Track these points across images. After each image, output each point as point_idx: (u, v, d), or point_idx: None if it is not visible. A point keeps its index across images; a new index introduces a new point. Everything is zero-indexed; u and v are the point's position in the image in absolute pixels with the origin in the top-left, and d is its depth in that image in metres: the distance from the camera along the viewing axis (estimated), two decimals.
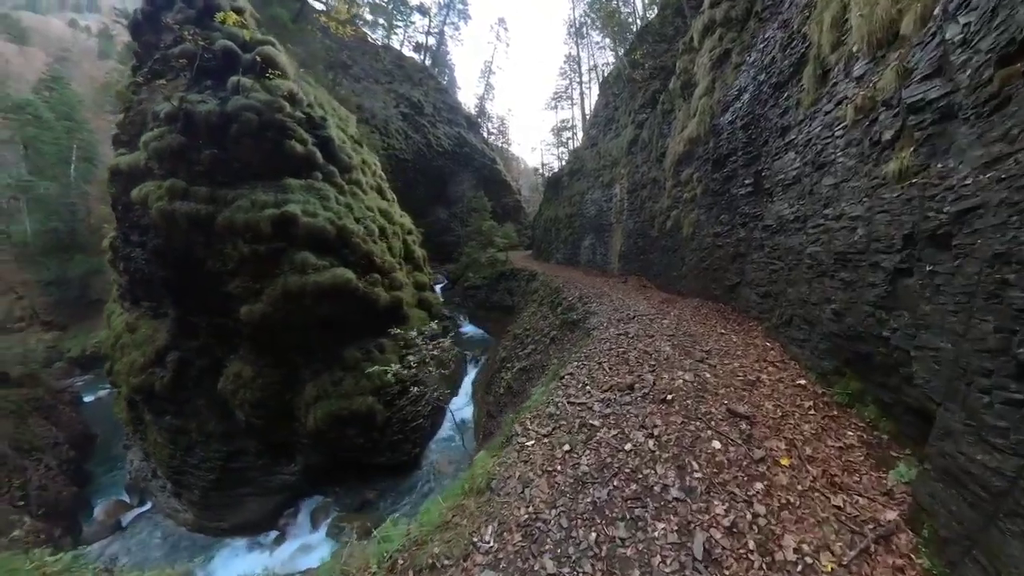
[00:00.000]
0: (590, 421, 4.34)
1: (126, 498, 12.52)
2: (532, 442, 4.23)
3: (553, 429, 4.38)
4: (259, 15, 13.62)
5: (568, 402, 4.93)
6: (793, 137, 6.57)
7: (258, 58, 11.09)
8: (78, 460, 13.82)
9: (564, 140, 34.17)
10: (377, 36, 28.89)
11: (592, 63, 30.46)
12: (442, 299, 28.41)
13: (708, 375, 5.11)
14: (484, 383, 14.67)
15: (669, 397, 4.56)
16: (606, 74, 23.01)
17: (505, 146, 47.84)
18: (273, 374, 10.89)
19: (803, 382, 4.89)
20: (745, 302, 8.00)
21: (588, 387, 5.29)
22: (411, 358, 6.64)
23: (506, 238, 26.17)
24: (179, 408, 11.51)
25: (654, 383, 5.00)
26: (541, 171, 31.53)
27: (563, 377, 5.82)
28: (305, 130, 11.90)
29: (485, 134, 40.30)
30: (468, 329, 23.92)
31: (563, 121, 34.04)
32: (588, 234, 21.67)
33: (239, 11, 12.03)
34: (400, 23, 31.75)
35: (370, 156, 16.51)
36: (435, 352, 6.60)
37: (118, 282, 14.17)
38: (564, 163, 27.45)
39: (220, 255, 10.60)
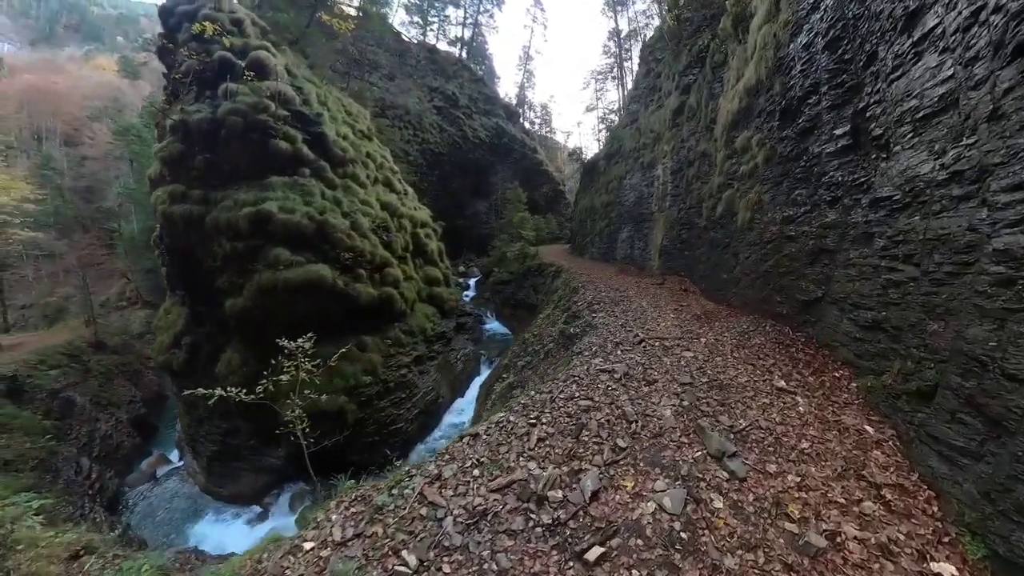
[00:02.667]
0: (400, 561, 2.11)
1: (176, 453, 13.41)
2: (311, 545, 2.51)
3: (352, 538, 2.45)
4: (266, 23, 13.19)
5: (419, 494, 2.76)
6: (933, 24, 3.20)
7: (240, 62, 10.41)
8: (147, 416, 15.23)
9: (610, 124, 29.80)
10: (412, 34, 28.02)
11: (632, 28, 25.54)
12: (473, 293, 27.03)
13: (718, 503, 2.37)
14: (486, 390, 12.71)
15: (595, 555, 2.00)
16: (647, 38, 18.72)
17: (549, 134, 44.20)
18: (257, 365, 10.47)
19: (954, 572, 1.89)
20: (830, 332, 4.64)
21: (478, 472, 2.97)
22: (283, 376, 4.82)
23: (537, 230, 23.53)
24: (192, 385, 11.91)
25: (589, 501, 2.44)
26: (576, 154, 27.58)
27: (463, 438, 3.55)
28: (296, 128, 11.11)
29: (527, 123, 37.38)
30: (493, 326, 22.04)
31: (609, 103, 29.55)
32: (626, 225, 18.09)
33: (238, 22, 11.58)
34: (435, 19, 30.38)
35: (379, 149, 15.29)
36: (304, 373, 4.74)
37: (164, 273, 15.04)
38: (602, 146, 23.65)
39: (211, 253, 10.33)
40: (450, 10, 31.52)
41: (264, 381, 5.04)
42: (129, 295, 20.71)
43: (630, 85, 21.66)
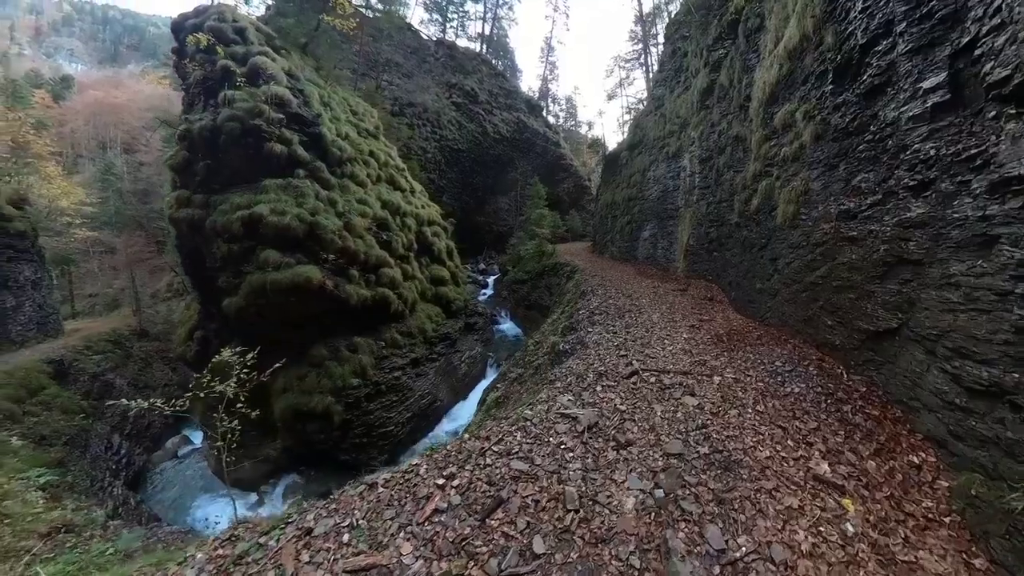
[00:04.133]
0: None
1: (200, 434, 13.94)
2: None
3: None
4: (273, 29, 13.08)
5: (277, 552, 2.31)
6: None
7: (241, 69, 10.36)
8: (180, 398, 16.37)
9: (636, 114, 27.26)
10: (431, 31, 27.44)
11: (655, 5, 22.79)
12: (491, 292, 26.16)
13: None
14: (484, 397, 11.82)
15: None
16: (674, 13, 16.41)
17: (574, 128, 41.79)
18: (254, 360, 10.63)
19: None
20: (908, 384, 3.03)
21: (348, 537, 2.38)
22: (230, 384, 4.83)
23: (554, 227, 22.16)
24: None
25: None
26: (597, 145, 25.32)
27: (360, 486, 2.83)
28: (293, 130, 10.82)
29: (551, 117, 35.52)
30: (507, 327, 21.13)
31: (637, 92, 26.93)
32: (649, 222, 16.24)
33: (240, 31, 11.38)
34: (454, 15, 29.60)
35: (385, 147, 14.79)
36: (233, 386, 4.71)
37: None
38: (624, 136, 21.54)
39: (212, 254, 10.45)
40: (469, 5, 30.58)
41: (188, 394, 4.88)
42: (176, 287, 22.10)
43: (654, 69, 19.44)
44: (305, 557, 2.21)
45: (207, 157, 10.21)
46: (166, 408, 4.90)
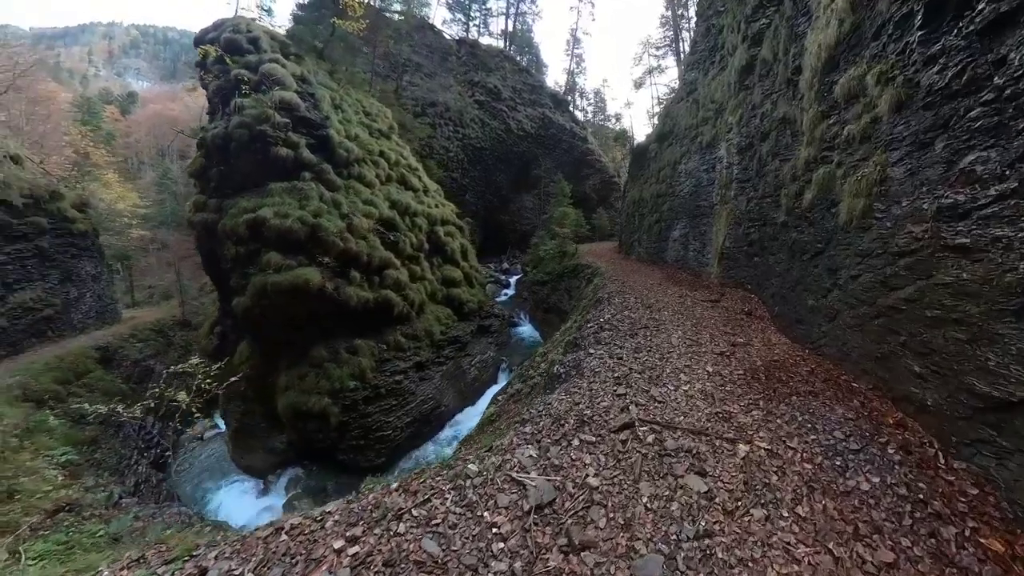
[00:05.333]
0: None
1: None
2: None
3: None
4: (288, 37, 13.23)
5: None
6: None
7: (252, 76, 10.49)
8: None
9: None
10: (454, 31, 26.94)
11: None
12: (512, 292, 25.30)
13: None
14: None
15: None
16: None
17: (603, 123, 39.36)
18: (261, 357, 10.80)
19: None
20: None
21: None
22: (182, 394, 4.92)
23: (577, 226, 20.88)
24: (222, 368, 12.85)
25: None
26: (623, 138, 23.21)
27: (268, 528, 2.40)
28: (301, 133, 10.74)
29: (579, 113, 33.67)
30: (525, 329, 20.23)
31: (668, 81, 24.45)
32: (679, 220, 14.50)
33: (254, 40, 11.57)
34: (476, 13, 28.79)
35: (398, 147, 14.44)
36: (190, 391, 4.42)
37: None
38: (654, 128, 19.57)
39: (224, 256, 10.69)
40: (491, 2, 29.70)
41: (143, 401, 5.23)
42: None
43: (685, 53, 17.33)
44: None
45: (220, 163, 10.49)
46: (123, 413, 4.95)
